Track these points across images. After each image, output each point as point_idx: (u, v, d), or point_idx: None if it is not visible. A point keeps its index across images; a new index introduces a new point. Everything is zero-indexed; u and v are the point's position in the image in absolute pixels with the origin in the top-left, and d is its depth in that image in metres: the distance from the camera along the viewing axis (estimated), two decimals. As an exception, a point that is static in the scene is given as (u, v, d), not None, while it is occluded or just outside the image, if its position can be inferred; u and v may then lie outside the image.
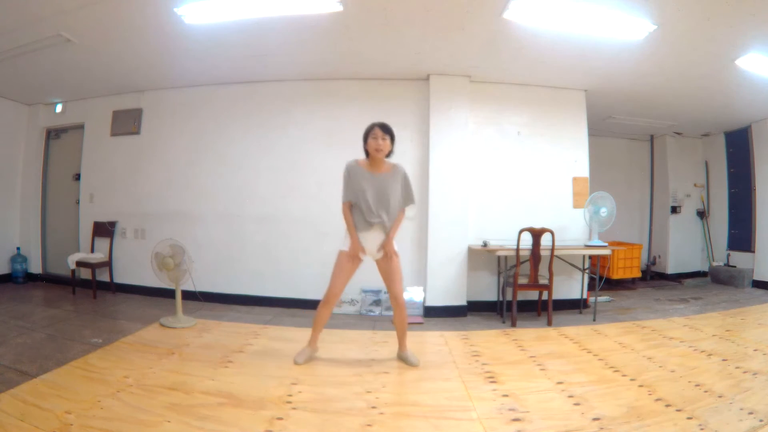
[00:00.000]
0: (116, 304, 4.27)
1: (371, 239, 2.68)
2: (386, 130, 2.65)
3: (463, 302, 4.15)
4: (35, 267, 5.27)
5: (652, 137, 6.62)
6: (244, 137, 4.49)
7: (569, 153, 4.47)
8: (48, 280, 5.22)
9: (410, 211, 4.17)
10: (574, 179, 4.46)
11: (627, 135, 6.54)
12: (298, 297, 4.26)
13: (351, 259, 2.67)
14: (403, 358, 2.78)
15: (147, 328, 3.41)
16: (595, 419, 1.99)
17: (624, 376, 2.54)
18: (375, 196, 2.63)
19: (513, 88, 4.39)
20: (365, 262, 2.78)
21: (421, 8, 2.96)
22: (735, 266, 5.93)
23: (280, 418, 1.98)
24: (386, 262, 2.69)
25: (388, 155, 2.70)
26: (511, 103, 4.41)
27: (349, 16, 3.06)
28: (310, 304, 4.13)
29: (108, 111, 4.87)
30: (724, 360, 2.80)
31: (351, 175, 2.66)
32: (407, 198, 2.74)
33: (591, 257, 4.49)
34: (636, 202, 6.72)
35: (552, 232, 3.81)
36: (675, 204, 6.43)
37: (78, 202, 5.04)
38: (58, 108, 5.20)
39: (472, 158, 4.26)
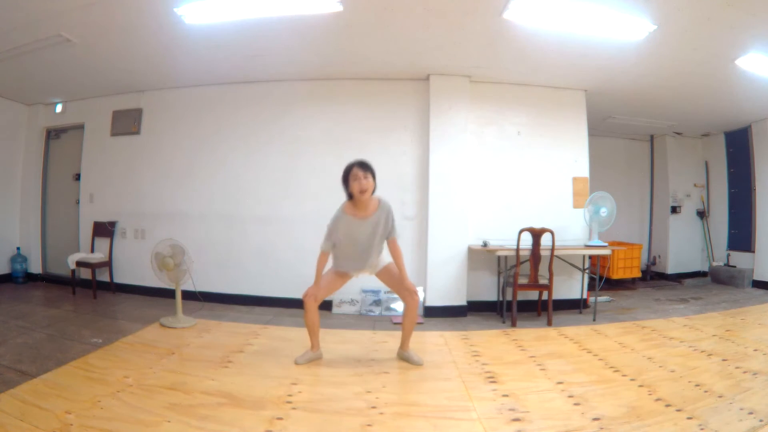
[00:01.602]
0: (116, 304, 4.27)
1: (362, 271, 2.75)
2: (365, 167, 2.60)
3: (463, 302, 4.15)
4: (35, 267, 5.27)
5: (652, 137, 6.62)
6: (245, 137, 4.49)
7: (569, 153, 4.47)
8: (48, 280, 5.22)
9: (409, 211, 4.23)
10: (574, 179, 4.46)
11: (627, 135, 6.54)
12: (298, 297, 4.17)
13: (336, 274, 2.75)
14: (406, 357, 2.77)
15: (147, 328, 3.41)
16: (595, 419, 1.99)
17: (624, 376, 2.54)
18: (362, 244, 2.63)
19: (513, 88, 4.39)
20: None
21: (421, 8, 2.96)
22: (735, 266, 5.93)
23: (280, 418, 1.98)
24: (385, 274, 2.74)
25: (373, 192, 2.65)
26: (511, 104, 4.40)
27: (349, 16, 3.06)
28: (310, 304, 4.15)
29: (108, 111, 4.86)
30: (724, 360, 2.80)
31: (338, 225, 2.64)
32: (391, 231, 2.68)
33: (591, 257, 4.48)
34: (636, 202, 6.72)
35: (552, 232, 3.81)
36: (675, 204, 6.43)
37: (78, 202, 5.04)
38: (58, 108, 5.20)
39: (472, 158, 4.26)
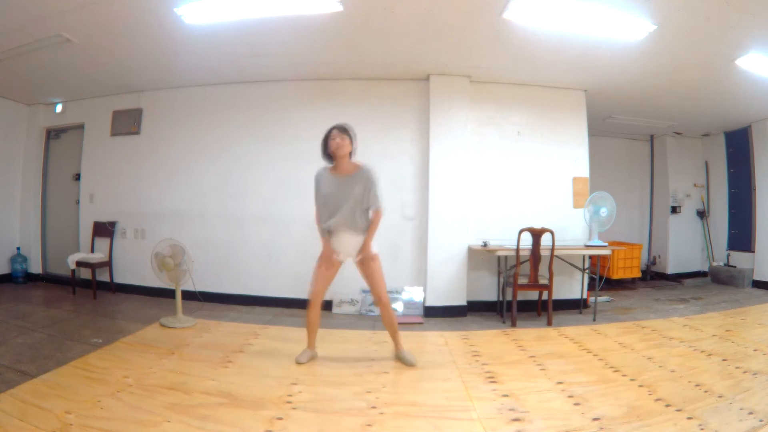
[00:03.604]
0: (116, 304, 4.27)
1: (346, 242, 2.68)
2: (342, 129, 2.68)
3: (463, 302, 4.15)
4: (35, 267, 5.26)
5: (652, 137, 6.62)
6: (244, 137, 4.48)
7: (569, 153, 4.46)
8: (48, 280, 5.22)
9: (410, 211, 4.23)
10: (574, 179, 4.46)
11: (627, 135, 6.54)
12: (298, 297, 4.24)
13: (325, 262, 2.70)
14: (400, 357, 2.80)
15: (147, 328, 3.41)
16: (595, 419, 1.99)
17: (624, 376, 2.54)
18: (335, 199, 2.64)
19: (513, 88, 4.39)
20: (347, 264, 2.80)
21: (421, 8, 2.96)
22: (735, 266, 5.93)
23: (280, 418, 1.98)
24: (365, 265, 2.70)
25: (351, 155, 2.71)
26: (511, 103, 4.40)
27: (349, 16, 3.05)
28: (310, 304, 4.16)
29: (108, 111, 4.86)
30: (724, 360, 2.80)
31: (317, 180, 2.72)
32: (371, 200, 2.65)
33: (591, 257, 4.48)
34: (636, 202, 6.72)
35: (552, 232, 3.81)
36: (675, 204, 6.43)
37: (78, 202, 5.04)
38: (58, 108, 5.20)
39: (472, 158, 4.25)
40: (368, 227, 2.68)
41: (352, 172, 2.68)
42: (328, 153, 2.69)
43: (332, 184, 2.66)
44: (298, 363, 2.68)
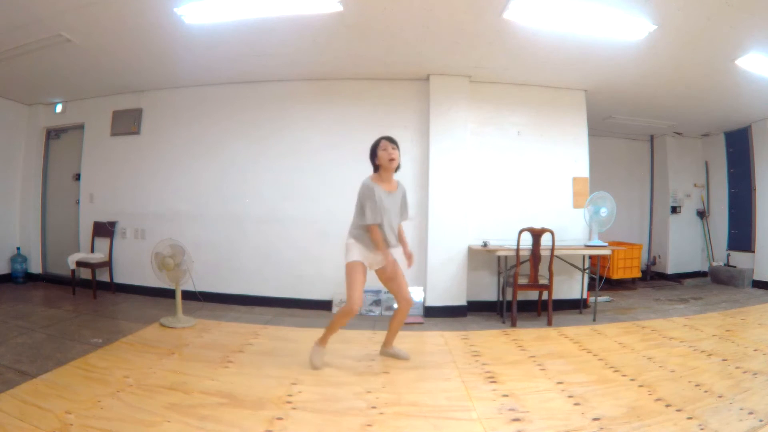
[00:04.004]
0: (116, 304, 4.27)
1: (391, 246, 2.73)
2: (393, 141, 2.69)
3: (463, 302, 4.14)
4: (35, 267, 5.26)
5: (652, 137, 6.62)
6: (245, 137, 4.48)
7: (569, 153, 4.46)
8: (48, 280, 5.22)
9: (409, 211, 4.21)
10: (574, 179, 4.46)
11: (627, 135, 6.53)
12: (298, 297, 4.26)
13: (365, 270, 2.68)
14: (392, 354, 2.83)
15: (147, 328, 3.41)
16: (595, 419, 1.99)
17: (624, 376, 2.55)
18: (392, 215, 2.66)
19: (513, 88, 4.39)
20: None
21: (421, 8, 2.96)
22: (735, 266, 5.93)
23: (280, 418, 1.98)
24: (397, 269, 2.74)
25: (398, 167, 2.74)
26: (511, 103, 4.40)
27: (349, 16, 3.06)
28: (310, 304, 4.17)
29: (108, 111, 4.87)
30: (724, 360, 2.80)
31: (373, 191, 2.58)
32: (407, 213, 2.82)
33: (591, 257, 4.48)
34: (636, 202, 6.72)
35: (552, 232, 3.81)
36: (675, 204, 6.43)
37: (78, 202, 5.04)
38: (58, 108, 5.20)
39: (472, 158, 4.25)
40: (403, 236, 2.82)
41: (396, 187, 2.74)
42: (377, 162, 2.68)
43: (386, 198, 2.65)
44: (315, 368, 2.60)
